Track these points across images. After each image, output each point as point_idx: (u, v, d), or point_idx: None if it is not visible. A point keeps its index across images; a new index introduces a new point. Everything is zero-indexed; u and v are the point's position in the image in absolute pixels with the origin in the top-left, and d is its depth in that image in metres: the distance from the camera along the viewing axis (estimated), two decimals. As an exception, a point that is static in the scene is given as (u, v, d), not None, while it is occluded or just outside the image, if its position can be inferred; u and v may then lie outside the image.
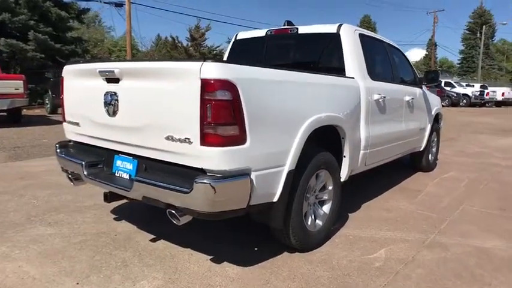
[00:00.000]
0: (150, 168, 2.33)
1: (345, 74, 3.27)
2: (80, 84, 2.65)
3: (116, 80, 2.34)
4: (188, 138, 2.01)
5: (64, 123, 2.96)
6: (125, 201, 3.73)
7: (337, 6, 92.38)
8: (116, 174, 2.55)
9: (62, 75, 2.88)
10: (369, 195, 4.18)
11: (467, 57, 49.93)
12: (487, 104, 26.03)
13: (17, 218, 3.27)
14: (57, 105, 13.21)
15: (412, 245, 2.93)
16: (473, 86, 26.59)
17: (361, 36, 3.53)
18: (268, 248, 2.77)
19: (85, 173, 2.58)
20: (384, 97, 3.56)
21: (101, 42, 27.18)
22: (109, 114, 2.41)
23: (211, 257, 2.63)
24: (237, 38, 4.22)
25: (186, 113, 2.01)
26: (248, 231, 3.06)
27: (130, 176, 2.46)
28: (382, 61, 4.01)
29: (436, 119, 5.45)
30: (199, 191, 1.95)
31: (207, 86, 1.92)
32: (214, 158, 1.98)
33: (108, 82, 2.40)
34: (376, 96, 3.43)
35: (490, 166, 6.04)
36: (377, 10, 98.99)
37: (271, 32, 3.88)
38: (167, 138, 2.11)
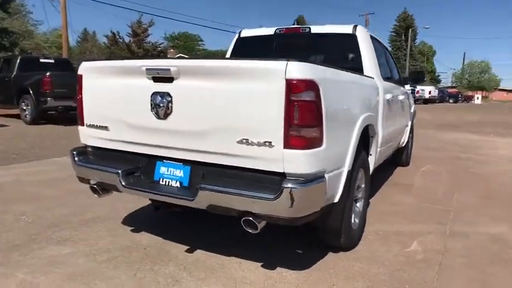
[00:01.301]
0: (209, 174, 2.17)
1: (363, 74, 3.35)
2: (112, 84, 2.37)
3: (168, 79, 2.13)
4: (269, 142, 1.91)
5: (81, 128, 2.62)
6: (132, 210, 3.46)
7: (272, 4, 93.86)
8: (161, 182, 2.33)
9: (80, 73, 2.55)
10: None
11: (394, 58, 54.19)
12: (416, 102, 28.58)
13: (15, 239, 2.84)
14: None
15: (437, 235, 3.10)
16: (404, 85, 28.98)
17: (371, 37, 3.65)
18: (310, 249, 2.75)
19: (123, 183, 2.31)
20: (392, 96, 3.72)
21: (30, 35, 24.56)
22: (158, 116, 2.19)
23: (261, 263, 2.53)
24: (241, 36, 4.10)
25: (267, 115, 1.91)
26: (272, 234, 2.97)
27: (181, 183, 2.27)
28: (384, 62, 4.18)
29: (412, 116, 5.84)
30: (286, 196, 1.86)
31: (293, 86, 1.84)
32: (298, 161, 1.91)
33: (155, 81, 2.18)
34: (388, 96, 3.57)
35: (454, 159, 6.64)
36: (313, 11, 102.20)
37: (280, 31, 3.84)
38: (240, 142, 1.98)
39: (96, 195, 2.58)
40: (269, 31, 3.94)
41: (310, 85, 1.88)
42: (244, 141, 1.97)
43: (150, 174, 2.39)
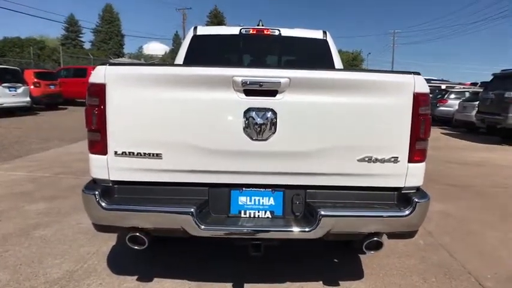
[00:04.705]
0: (313, 197, 1.93)
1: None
2: (171, 98, 1.79)
3: (270, 93, 1.77)
4: (395, 157, 1.86)
5: (101, 157, 1.85)
6: (104, 254, 2.72)
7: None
8: (243, 215, 1.93)
9: (99, 81, 1.79)
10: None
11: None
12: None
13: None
14: None
15: (411, 220, 3.63)
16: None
17: None
18: (341, 255, 2.82)
19: (202, 226, 1.80)
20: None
21: None
22: (256, 137, 1.79)
23: (320, 281, 2.45)
24: (197, 34, 3.65)
25: (394, 130, 1.86)
26: (283, 252, 2.90)
27: (272, 213, 1.94)
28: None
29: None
30: (419, 211, 1.87)
31: (420, 100, 1.84)
32: (418, 175, 1.93)
33: (248, 95, 1.77)
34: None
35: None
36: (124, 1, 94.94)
37: (246, 31, 3.62)
38: (362, 160, 1.85)
39: (136, 247, 1.90)
40: (232, 30, 3.68)
41: (429, 99, 1.92)
42: (366, 159, 1.85)
43: (222, 207, 1.94)
